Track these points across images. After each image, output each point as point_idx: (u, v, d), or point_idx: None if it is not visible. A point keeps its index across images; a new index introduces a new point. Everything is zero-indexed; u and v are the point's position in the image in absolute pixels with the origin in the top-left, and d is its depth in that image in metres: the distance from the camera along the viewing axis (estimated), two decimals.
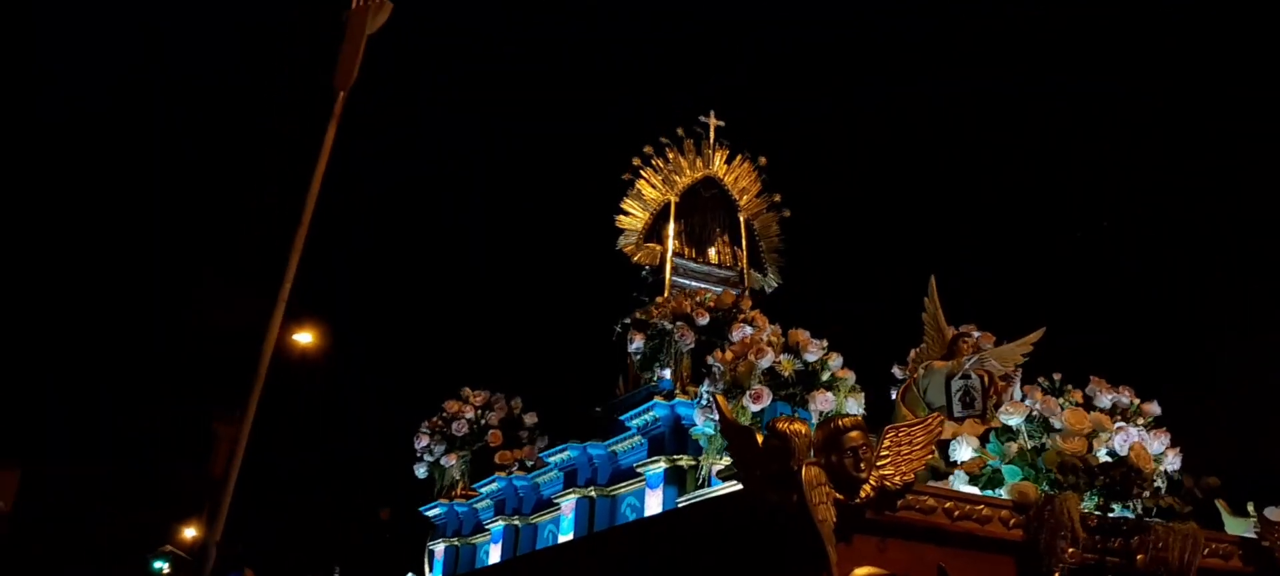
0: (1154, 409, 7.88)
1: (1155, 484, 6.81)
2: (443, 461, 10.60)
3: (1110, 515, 6.44)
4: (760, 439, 5.84)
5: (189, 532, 29.43)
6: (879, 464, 5.74)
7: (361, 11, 8.61)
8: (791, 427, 5.67)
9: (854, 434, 5.64)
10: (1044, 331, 8.27)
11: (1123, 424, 7.44)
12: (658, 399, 8.01)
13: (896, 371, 8.53)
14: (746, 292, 10.53)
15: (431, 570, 10.68)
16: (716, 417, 6.73)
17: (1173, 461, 7.58)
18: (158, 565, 28.65)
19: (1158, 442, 7.50)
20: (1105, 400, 7.74)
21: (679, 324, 8.41)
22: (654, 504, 7.73)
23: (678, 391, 8.06)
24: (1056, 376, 7.99)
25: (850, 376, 7.45)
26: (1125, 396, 7.79)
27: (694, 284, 10.44)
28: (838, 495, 5.59)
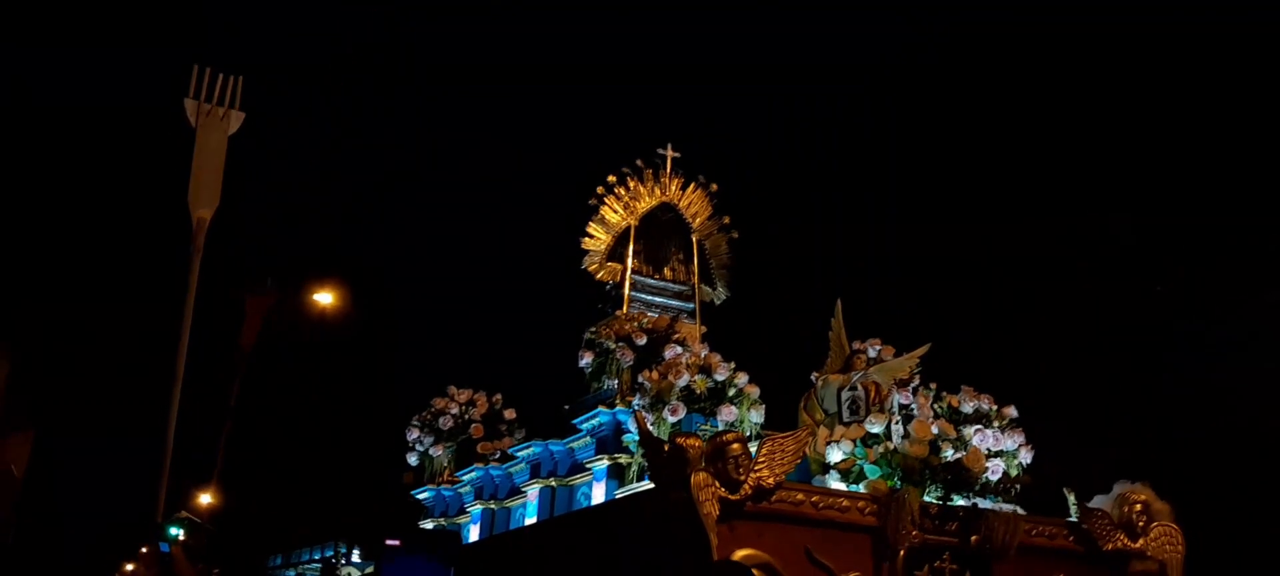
0: (1011, 412, 9.46)
1: (990, 478, 8.44)
2: (431, 451, 12.31)
3: (950, 504, 8.10)
4: (667, 448, 7.50)
5: (204, 499, 31.10)
6: (756, 468, 7.39)
7: (210, 125, 9.13)
8: (688, 442, 7.32)
9: (735, 446, 7.28)
10: (929, 347, 9.87)
11: (980, 427, 9.07)
12: (602, 407, 9.67)
13: (815, 377, 10.14)
14: (697, 305, 12.19)
15: None
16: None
17: (1025, 456, 9.21)
18: (173, 531, 29.62)
19: (1011, 441, 9.13)
20: (969, 406, 9.34)
21: (620, 344, 10.09)
22: (599, 494, 9.42)
23: (618, 400, 9.72)
24: (933, 385, 9.59)
25: (755, 391, 9.06)
26: (985, 403, 9.38)
27: (651, 298, 12.08)
28: (723, 493, 7.25)
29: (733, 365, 8.96)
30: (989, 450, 8.72)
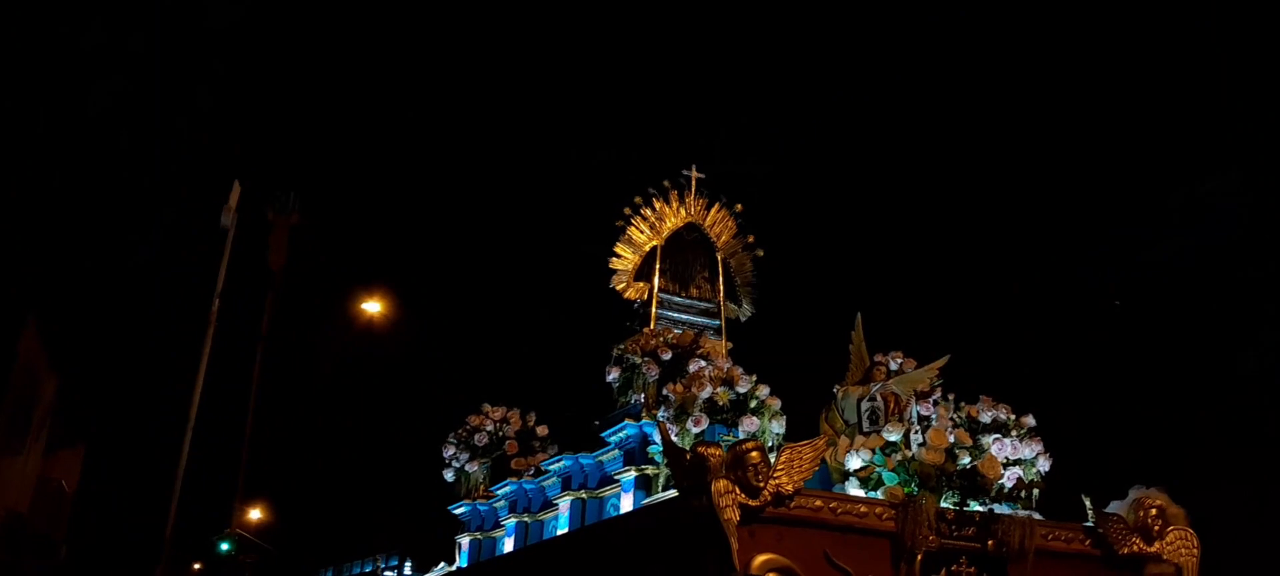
0: (1029, 421, 9.67)
1: (1005, 485, 8.66)
2: (467, 467, 12.67)
3: (966, 509, 8.32)
4: (689, 457, 7.81)
5: (254, 514, 31.65)
6: (775, 475, 7.68)
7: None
8: (709, 452, 7.62)
9: (753, 455, 7.57)
10: (948, 358, 10.08)
11: (998, 436, 9.29)
12: (629, 420, 10.00)
13: (836, 389, 10.40)
14: (722, 322, 12.50)
15: (459, 559, 12.76)
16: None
17: (1043, 464, 9.42)
18: (224, 546, 29.76)
19: (1030, 449, 9.34)
20: (987, 415, 9.56)
21: (646, 359, 10.42)
22: (627, 504, 9.73)
23: (644, 414, 10.05)
24: (951, 396, 9.82)
25: (776, 403, 9.34)
26: (1003, 412, 9.59)
27: (677, 316, 12.42)
28: (743, 499, 7.54)
29: (754, 377, 9.25)
30: (1007, 459, 8.96)
